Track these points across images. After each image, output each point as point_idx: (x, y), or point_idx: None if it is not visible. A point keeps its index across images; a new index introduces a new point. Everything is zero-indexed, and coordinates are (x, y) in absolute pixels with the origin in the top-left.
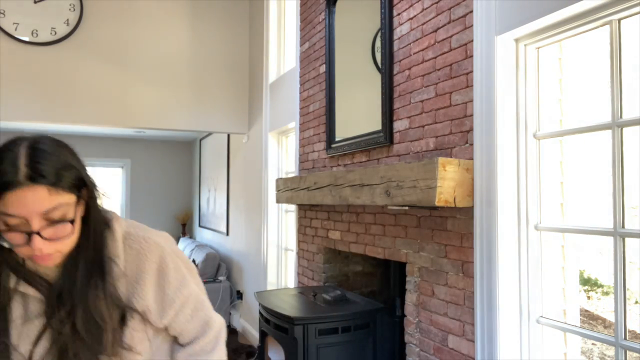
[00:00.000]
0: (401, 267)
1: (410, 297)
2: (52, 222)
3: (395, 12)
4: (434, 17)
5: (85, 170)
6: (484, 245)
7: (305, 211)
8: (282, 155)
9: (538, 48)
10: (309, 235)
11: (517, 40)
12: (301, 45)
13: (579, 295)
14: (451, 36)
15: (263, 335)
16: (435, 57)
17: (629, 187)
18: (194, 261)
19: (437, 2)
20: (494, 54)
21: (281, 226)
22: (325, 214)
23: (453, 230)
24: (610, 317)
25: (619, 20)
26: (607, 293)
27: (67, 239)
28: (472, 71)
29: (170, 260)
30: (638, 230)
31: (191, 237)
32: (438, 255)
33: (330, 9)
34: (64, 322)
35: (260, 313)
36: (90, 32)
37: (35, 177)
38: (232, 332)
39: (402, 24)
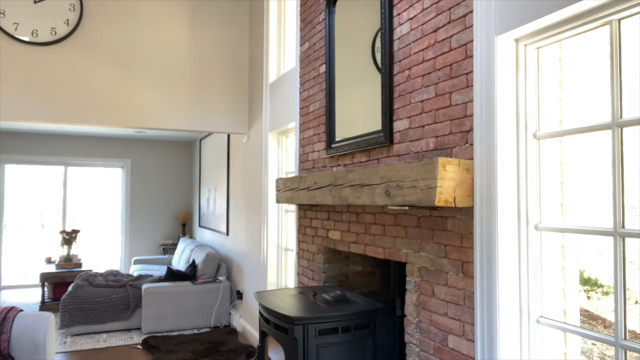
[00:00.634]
0: (401, 267)
1: (410, 297)
2: None
3: (395, 12)
4: (434, 17)
5: None
6: (484, 245)
7: (305, 211)
8: (282, 155)
9: (538, 48)
10: (309, 235)
11: (517, 40)
12: (301, 45)
13: (579, 295)
14: (451, 36)
15: (263, 335)
16: (435, 57)
17: (629, 187)
18: (194, 261)
19: (437, 2)
20: (494, 54)
21: (281, 226)
22: (325, 214)
23: (453, 230)
24: (610, 317)
25: (619, 20)
26: (607, 293)
27: None
28: (472, 71)
29: None
30: (638, 230)
31: (191, 237)
32: (438, 255)
33: (330, 9)
34: None
35: (260, 313)
36: (90, 32)
37: None
38: (232, 332)
39: (402, 24)
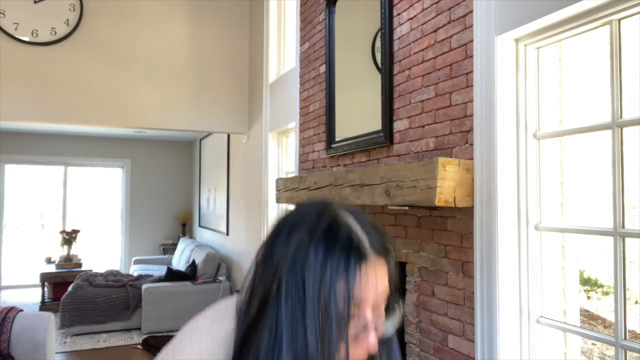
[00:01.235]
0: (401, 267)
1: (410, 297)
2: (377, 309)
3: (395, 12)
4: (434, 17)
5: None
6: (484, 245)
7: None
8: (282, 155)
9: (538, 48)
10: None
11: (517, 40)
12: (301, 45)
13: (579, 295)
14: (451, 36)
15: None
16: (435, 57)
17: (629, 187)
18: (194, 261)
19: (437, 2)
20: (494, 54)
21: None
22: None
23: (453, 230)
24: (610, 317)
25: (619, 20)
26: (607, 293)
27: None
28: (472, 71)
29: None
30: (638, 230)
31: (191, 237)
32: (438, 255)
33: (330, 9)
34: None
35: None
36: (90, 32)
37: (382, 251)
38: None
39: (402, 24)
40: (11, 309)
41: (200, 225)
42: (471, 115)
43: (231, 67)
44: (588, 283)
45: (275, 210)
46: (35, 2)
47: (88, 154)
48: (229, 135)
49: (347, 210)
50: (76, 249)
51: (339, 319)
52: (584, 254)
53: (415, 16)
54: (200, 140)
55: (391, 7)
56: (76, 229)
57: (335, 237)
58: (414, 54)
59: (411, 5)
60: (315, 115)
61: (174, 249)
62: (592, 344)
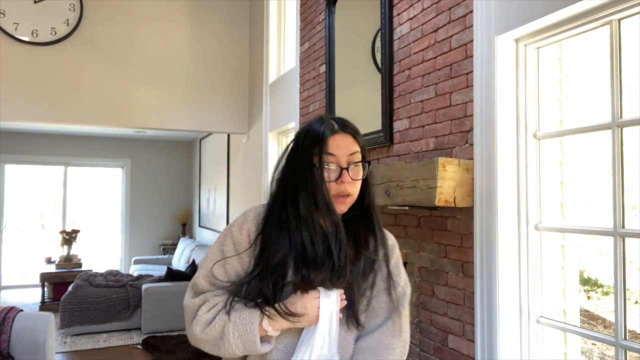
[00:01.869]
0: None
1: (410, 297)
2: (353, 164)
3: (395, 12)
4: (434, 17)
5: (364, 143)
6: (484, 245)
7: None
8: None
9: (538, 48)
10: None
11: (517, 40)
12: (301, 45)
13: (579, 295)
14: (451, 36)
15: None
16: (435, 57)
17: (629, 187)
18: (194, 261)
19: (437, 2)
20: (494, 54)
21: None
22: None
23: (453, 230)
24: (610, 317)
25: (619, 20)
26: (607, 293)
27: (359, 184)
28: (472, 71)
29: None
30: (638, 230)
31: (191, 237)
32: (438, 255)
33: (330, 9)
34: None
35: None
36: (90, 32)
37: (345, 129)
38: None
39: (402, 24)
40: (11, 309)
41: (200, 225)
42: (471, 115)
43: (231, 67)
44: (588, 283)
45: None
46: (35, 2)
47: (88, 154)
48: (229, 135)
49: (330, 117)
50: (76, 249)
51: (318, 165)
52: (584, 254)
53: (415, 16)
54: (200, 140)
55: (391, 7)
56: (76, 229)
57: (314, 125)
58: (414, 54)
59: (411, 5)
60: (315, 115)
61: (174, 249)
62: (592, 344)
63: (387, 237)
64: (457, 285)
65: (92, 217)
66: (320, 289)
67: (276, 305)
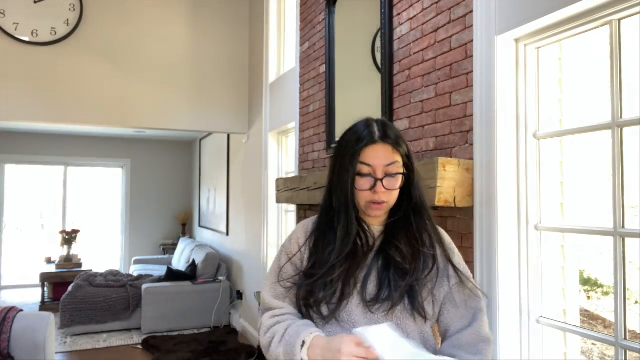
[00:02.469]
0: None
1: None
2: (389, 175)
3: (395, 12)
4: (434, 17)
5: (410, 148)
6: (484, 245)
7: (305, 211)
8: (282, 155)
9: (538, 48)
10: None
11: (517, 40)
12: (301, 45)
13: (579, 295)
14: (451, 36)
15: None
16: (435, 57)
17: (629, 187)
18: (194, 261)
19: (437, 2)
20: (494, 54)
21: (281, 226)
22: None
23: (453, 230)
24: (610, 317)
25: (619, 20)
26: (607, 293)
27: (395, 193)
28: (472, 71)
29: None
30: (638, 230)
31: (191, 237)
32: None
33: (330, 9)
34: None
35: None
36: (90, 32)
37: (385, 138)
38: (232, 332)
39: (402, 24)
40: (11, 309)
41: (200, 225)
42: (471, 115)
43: (231, 67)
44: (588, 283)
45: (275, 210)
46: (35, 2)
47: (88, 154)
48: (229, 135)
49: (374, 119)
50: (76, 249)
51: (349, 171)
52: (584, 254)
53: (415, 16)
54: (200, 140)
55: (391, 7)
56: (76, 229)
57: (358, 129)
58: (414, 54)
59: (411, 5)
60: (315, 115)
61: (174, 249)
62: (592, 344)
63: (442, 234)
64: None
65: (92, 217)
66: (359, 330)
67: (315, 336)
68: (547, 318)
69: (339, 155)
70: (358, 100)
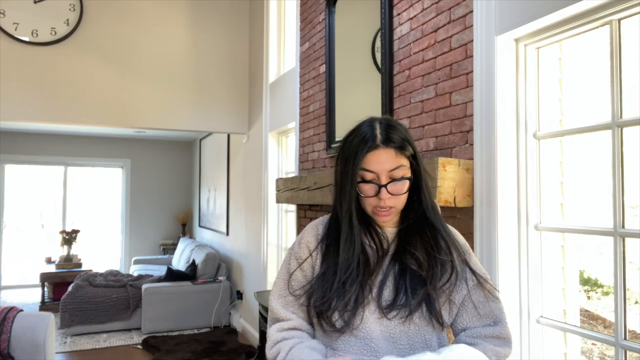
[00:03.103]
0: None
1: None
2: (394, 180)
3: (395, 12)
4: (434, 17)
5: (416, 149)
6: (484, 246)
7: (305, 211)
8: (282, 155)
9: (538, 48)
10: None
11: (517, 40)
12: (301, 45)
13: (579, 295)
14: (451, 36)
15: (263, 335)
16: (435, 57)
17: (629, 187)
18: (194, 261)
19: (437, 2)
20: (494, 54)
21: (281, 226)
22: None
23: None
24: (610, 317)
25: (619, 20)
26: (607, 293)
27: (402, 197)
28: (472, 71)
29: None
30: (638, 230)
31: (191, 237)
32: None
33: (330, 9)
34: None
35: (260, 313)
36: (90, 32)
37: (388, 142)
38: (232, 332)
39: (402, 24)
40: (11, 309)
41: (200, 225)
42: (471, 115)
43: (231, 67)
44: (588, 283)
45: (275, 210)
46: (35, 2)
47: (88, 154)
48: (229, 135)
49: (378, 119)
50: (76, 249)
51: (352, 179)
52: (584, 254)
53: (415, 16)
54: (200, 140)
55: (391, 7)
56: (76, 229)
57: (361, 131)
58: (414, 54)
59: (411, 5)
60: (315, 115)
61: (174, 249)
62: (592, 344)
63: (456, 235)
64: None
65: (92, 217)
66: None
67: None
68: (547, 318)
69: (341, 161)
70: (358, 100)
